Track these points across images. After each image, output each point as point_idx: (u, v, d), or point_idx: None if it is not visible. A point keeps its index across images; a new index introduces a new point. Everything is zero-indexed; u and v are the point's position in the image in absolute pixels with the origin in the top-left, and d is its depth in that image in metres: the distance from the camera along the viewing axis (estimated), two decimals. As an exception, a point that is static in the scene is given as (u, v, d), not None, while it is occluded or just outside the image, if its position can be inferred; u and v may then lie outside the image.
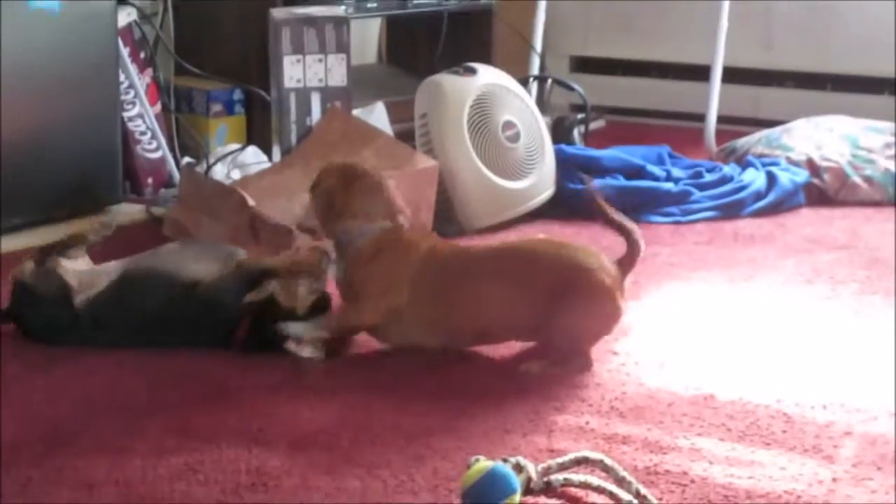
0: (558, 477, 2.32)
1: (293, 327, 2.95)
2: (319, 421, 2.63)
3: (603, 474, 2.29)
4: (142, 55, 4.30)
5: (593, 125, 4.92)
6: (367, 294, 2.93)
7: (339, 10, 4.14)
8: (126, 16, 4.18)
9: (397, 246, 2.94)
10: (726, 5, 4.86)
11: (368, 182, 2.98)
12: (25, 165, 3.68)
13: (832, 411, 2.65)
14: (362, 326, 2.97)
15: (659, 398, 2.73)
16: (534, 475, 2.30)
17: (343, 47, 3.96)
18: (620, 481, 2.25)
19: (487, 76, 4.15)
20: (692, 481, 2.35)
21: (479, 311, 2.91)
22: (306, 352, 2.93)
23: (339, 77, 3.97)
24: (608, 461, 2.27)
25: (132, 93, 4.19)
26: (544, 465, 2.33)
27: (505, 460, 2.29)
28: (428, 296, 2.92)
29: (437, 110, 4.02)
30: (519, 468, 2.29)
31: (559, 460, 2.33)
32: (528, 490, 2.29)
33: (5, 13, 3.66)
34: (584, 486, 2.30)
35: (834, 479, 2.35)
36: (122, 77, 4.11)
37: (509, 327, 2.95)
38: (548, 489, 2.31)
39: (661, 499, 2.25)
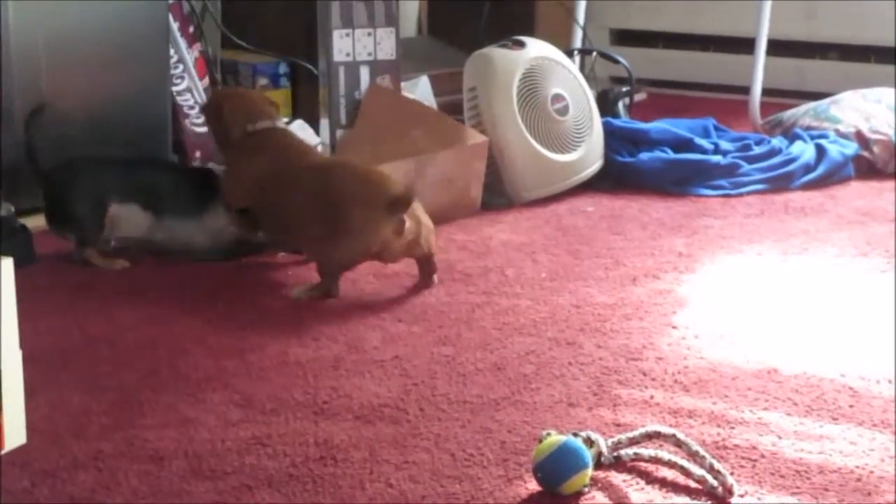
0: (628, 451, 2.32)
1: None
2: (384, 394, 2.63)
3: (675, 449, 2.28)
4: (191, 29, 4.30)
5: (635, 98, 4.91)
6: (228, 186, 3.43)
7: (388, -17, 4.13)
8: (176, -11, 4.19)
9: (248, 145, 3.37)
10: (770, -23, 4.84)
11: (226, 103, 3.44)
12: (78, 138, 3.68)
13: (898, 385, 2.65)
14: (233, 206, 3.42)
15: (722, 371, 2.73)
16: (604, 449, 2.30)
17: (392, 20, 3.96)
18: (693, 456, 2.24)
19: (536, 49, 4.14)
20: (762, 456, 2.35)
21: (279, 212, 3.28)
22: None
23: (388, 50, 3.96)
24: (680, 436, 2.27)
25: (181, 67, 4.19)
26: (614, 439, 2.33)
27: (576, 434, 2.30)
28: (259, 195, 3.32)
29: (486, 83, 4.02)
30: (590, 442, 2.29)
31: (629, 434, 2.33)
32: (598, 464, 2.29)
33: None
34: (655, 460, 2.30)
35: (906, 454, 2.35)
36: (171, 51, 4.11)
37: (295, 235, 3.30)
38: (618, 463, 2.31)
39: (732, 473, 2.25)
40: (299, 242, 3.35)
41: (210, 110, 3.50)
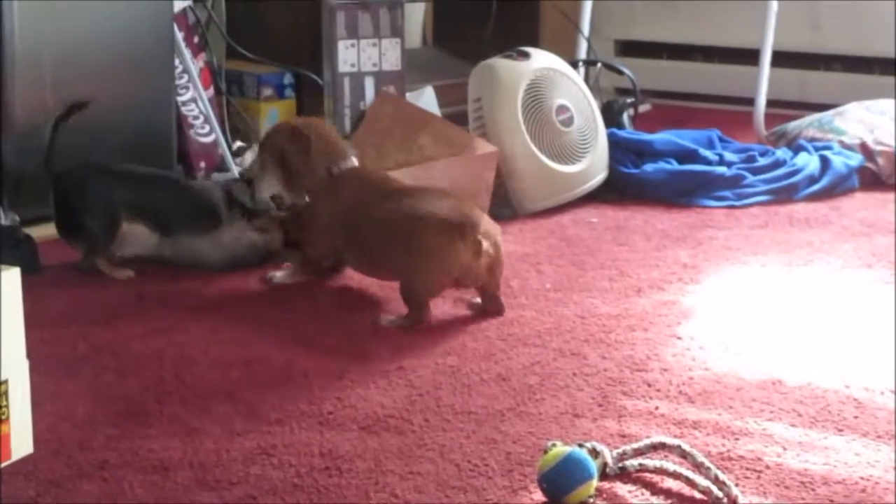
0: (633, 462, 2.32)
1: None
2: (389, 405, 2.63)
3: (679, 460, 2.29)
4: (195, 39, 4.31)
5: (640, 109, 4.92)
6: (313, 232, 3.32)
7: (394, -6, 4.15)
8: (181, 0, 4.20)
9: (333, 188, 3.25)
10: (775, -11, 4.85)
11: (314, 141, 3.27)
12: (83, 148, 3.69)
13: (902, 397, 2.65)
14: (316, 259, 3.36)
15: (727, 383, 2.73)
16: (609, 460, 2.30)
17: (397, 31, 3.97)
18: (698, 466, 2.24)
19: (541, 60, 4.15)
20: (767, 467, 2.35)
21: (366, 247, 3.21)
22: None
23: (393, 61, 3.98)
24: (686, 446, 2.27)
25: (186, 77, 4.19)
26: (619, 450, 2.33)
27: (581, 445, 2.30)
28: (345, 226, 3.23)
29: (491, 94, 4.02)
30: (595, 453, 2.29)
31: (634, 445, 2.34)
32: (603, 475, 2.29)
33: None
34: (660, 471, 2.30)
35: (911, 465, 2.35)
36: (176, 62, 4.11)
37: (383, 266, 3.21)
38: (623, 474, 2.31)
39: (736, 484, 2.25)
40: (384, 273, 3.24)
41: (287, 143, 3.30)
